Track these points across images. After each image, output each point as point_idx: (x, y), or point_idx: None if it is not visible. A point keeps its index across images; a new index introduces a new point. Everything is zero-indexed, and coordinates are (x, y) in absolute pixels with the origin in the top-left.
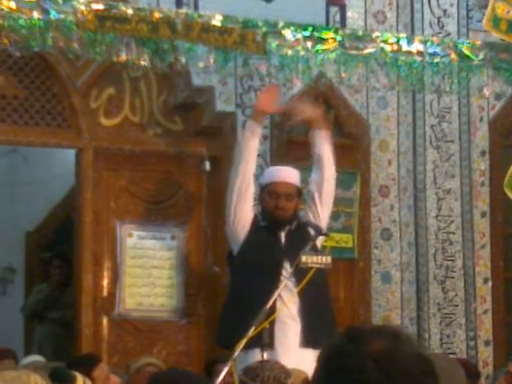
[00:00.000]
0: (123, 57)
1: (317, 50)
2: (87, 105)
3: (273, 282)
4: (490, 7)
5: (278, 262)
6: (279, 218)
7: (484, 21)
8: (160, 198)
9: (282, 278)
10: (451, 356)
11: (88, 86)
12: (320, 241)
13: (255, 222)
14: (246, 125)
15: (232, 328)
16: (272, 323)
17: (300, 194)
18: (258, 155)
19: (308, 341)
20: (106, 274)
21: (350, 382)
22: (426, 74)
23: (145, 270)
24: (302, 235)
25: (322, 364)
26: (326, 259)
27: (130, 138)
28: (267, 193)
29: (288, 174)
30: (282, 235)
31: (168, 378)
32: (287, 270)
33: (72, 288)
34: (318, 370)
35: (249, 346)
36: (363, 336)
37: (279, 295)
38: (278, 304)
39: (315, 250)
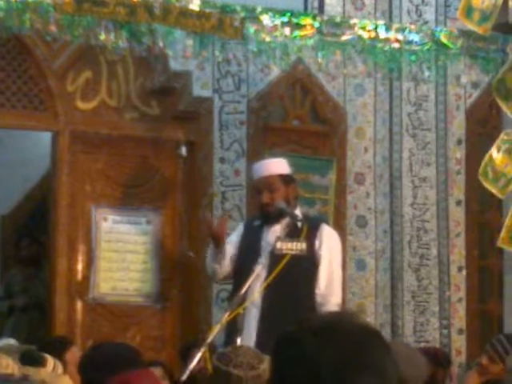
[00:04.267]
0: (101, 40)
1: (294, 36)
2: (64, 88)
3: (250, 270)
4: None
5: (257, 250)
6: (267, 212)
7: (459, 10)
8: (136, 183)
9: (257, 265)
10: (424, 344)
11: (65, 68)
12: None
13: (245, 230)
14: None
15: None
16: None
17: (288, 180)
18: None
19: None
20: (80, 257)
21: (292, 357)
22: (404, 62)
23: (120, 255)
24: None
25: (271, 352)
26: (301, 245)
27: (107, 122)
28: (254, 192)
29: (265, 168)
30: (278, 228)
31: (99, 354)
32: (265, 256)
33: (45, 271)
34: (270, 359)
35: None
36: (309, 318)
37: (254, 282)
38: (250, 291)
39: (291, 236)
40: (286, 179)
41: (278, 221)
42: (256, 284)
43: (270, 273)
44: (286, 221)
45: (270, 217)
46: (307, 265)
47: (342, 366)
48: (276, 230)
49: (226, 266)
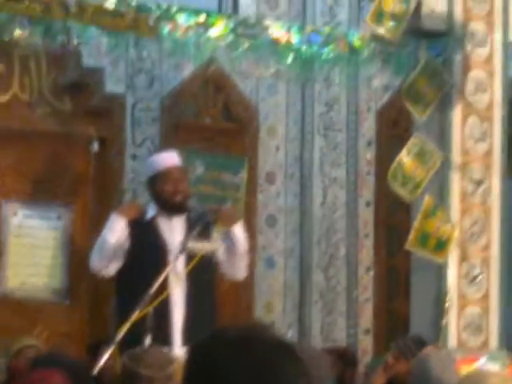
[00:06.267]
0: (15, 36)
1: (209, 36)
2: None
3: (159, 268)
4: (377, 0)
5: (165, 247)
6: (179, 202)
7: (368, 15)
8: (47, 178)
9: (168, 262)
10: (332, 343)
11: None
12: (212, 227)
13: (135, 225)
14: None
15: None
16: (159, 307)
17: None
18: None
19: (189, 339)
20: None
21: (204, 369)
22: (316, 64)
23: (29, 250)
24: (194, 220)
25: (186, 360)
26: (212, 245)
27: (19, 117)
28: (162, 180)
29: (176, 158)
30: (179, 220)
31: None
32: (175, 255)
33: None
34: (184, 368)
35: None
36: (221, 330)
37: (167, 280)
38: (164, 288)
39: (203, 236)
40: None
41: (178, 215)
42: (170, 282)
43: (183, 271)
44: (185, 215)
45: (175, 208)
46: (211, 260)
47: (253, 382)
48: (178, 225)
49: (120, 251)
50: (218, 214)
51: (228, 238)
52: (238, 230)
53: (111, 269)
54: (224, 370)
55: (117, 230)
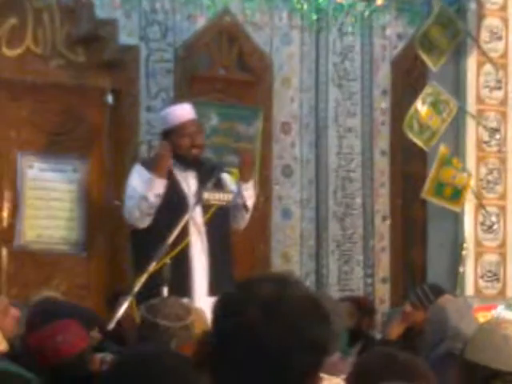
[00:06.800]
0: None
1: None
2: None
3: (177, 219)
4: None
5: (184, 199)
6: (195, 155)
7: None
8: (62, 130)
9: (185, 214)
10: (349, 293)
11: None
12: (228, 178)
13: None
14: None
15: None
16: (178, 259)
17: None
18: None
19: (214, 289)
20: (5, 205)
21: (236, 326)
22: (330, 13)
23: (45, 202)
24: (209, 171)
25: (215, 314)
26: (228, 196)
27: (32, 69)
28: (177, 134)
29: (191, 111)
30: (194, 174)
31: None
32: (192, 207)
33: None
34: (212, 320)
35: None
36: (250, 284)
37: (186, 231)
38: (183, 239)
39: (217, 187)
40: None
41: (195, 167)
42: (189, 233)
43: (201, 222)
44: (201, 168)
45: (192, 162)
46: (227, 211)
47: (285, 343)
48: (192, 177)
49: (157, 202)
50: (241, 166)
51: (240, 193)
52: (251, 186)
53: (147, 221)
54: (255, 331)
55: (158, 190)
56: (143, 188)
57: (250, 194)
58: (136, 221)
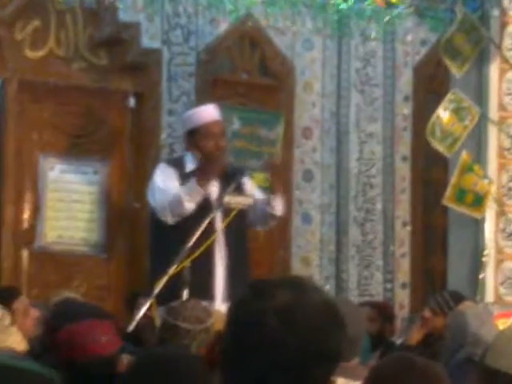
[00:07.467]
0: None
1: None
2: (12, 36)
3: (199, 223)
4: None
5: (206, 203)
6: (219, 158)
7: None
8: (83, 133)
9: (207, 218)
10: (368, 298)
11: (13, 17)
12: (250, 182)
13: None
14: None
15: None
16: (200, 261)
17: None
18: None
19: (231, 292)
20: (27, 206)
21: (253, 336)
22: (352, 19)
23: (66, 204)
24: (230, 175)
25: (228, 320)
26: (248, 200)
27: (55, 71)
28: (202, 135)
29: (217, 112)
30: (216, 179)
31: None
32: (214, 211)
33: None
34: (225, 326)
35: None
36: (266, 289)
37: (206, 235)
38: (204, 242)
39: (238, 191)
40: None
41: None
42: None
43: (221, 225)
44: (224, 173)
45: (214, 164)
46: (243, 214)
47: (300, 351)
48: (216, 181)
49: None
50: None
51: (269, 203)
52: (279, 200)
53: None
54: (271, 340)
55: (196, 201)
56: (185, 194)
57: (278, 205)
58: (167, 219)
